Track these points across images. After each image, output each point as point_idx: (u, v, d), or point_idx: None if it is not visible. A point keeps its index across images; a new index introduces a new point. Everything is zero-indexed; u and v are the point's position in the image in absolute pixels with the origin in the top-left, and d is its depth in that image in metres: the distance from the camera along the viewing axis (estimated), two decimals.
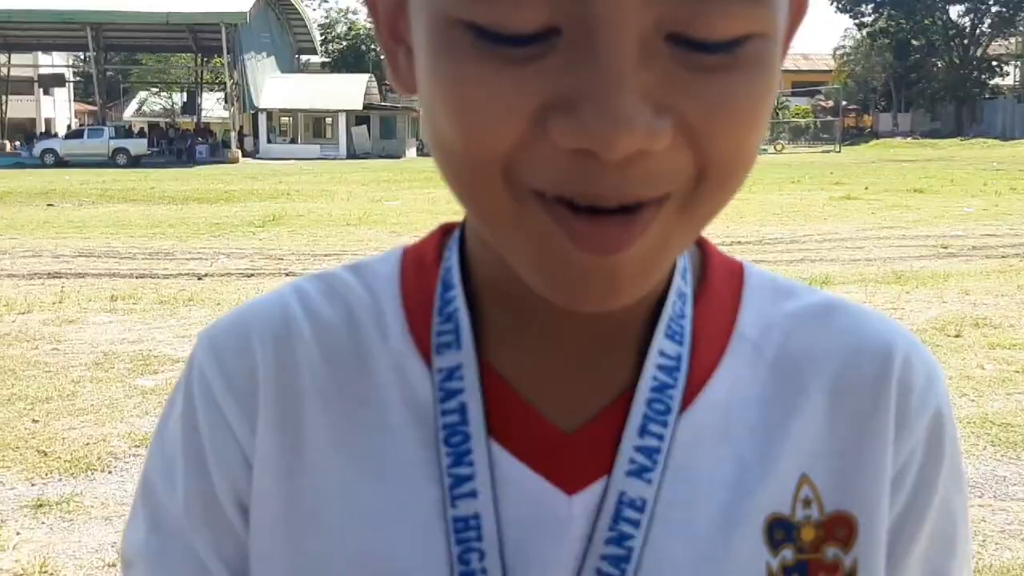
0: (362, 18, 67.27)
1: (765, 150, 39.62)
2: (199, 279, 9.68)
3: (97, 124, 42.38)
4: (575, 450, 0.56)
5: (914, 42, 60.85)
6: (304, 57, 60.53)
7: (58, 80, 58.84)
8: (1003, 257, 10.60)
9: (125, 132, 40.45)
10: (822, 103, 60.36)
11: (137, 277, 9.78)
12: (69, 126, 54.52)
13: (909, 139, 53.49)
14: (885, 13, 61.39)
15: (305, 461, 0.59)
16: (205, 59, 54.88)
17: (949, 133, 54.42)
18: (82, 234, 13.40)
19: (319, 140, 46.60)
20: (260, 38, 45.88)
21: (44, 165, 35.42)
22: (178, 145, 43.75)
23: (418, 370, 0.59)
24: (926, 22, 60.44)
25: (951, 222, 13.93)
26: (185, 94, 62.47)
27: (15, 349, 6.78)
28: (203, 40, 48.72)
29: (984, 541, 3.72)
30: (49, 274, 9.98)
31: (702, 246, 0.63)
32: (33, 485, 4.37)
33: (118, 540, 3.49)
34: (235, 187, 22.80)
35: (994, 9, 59.19)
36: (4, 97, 50.99)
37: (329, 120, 46.67)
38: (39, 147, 38.08)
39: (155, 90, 65.70)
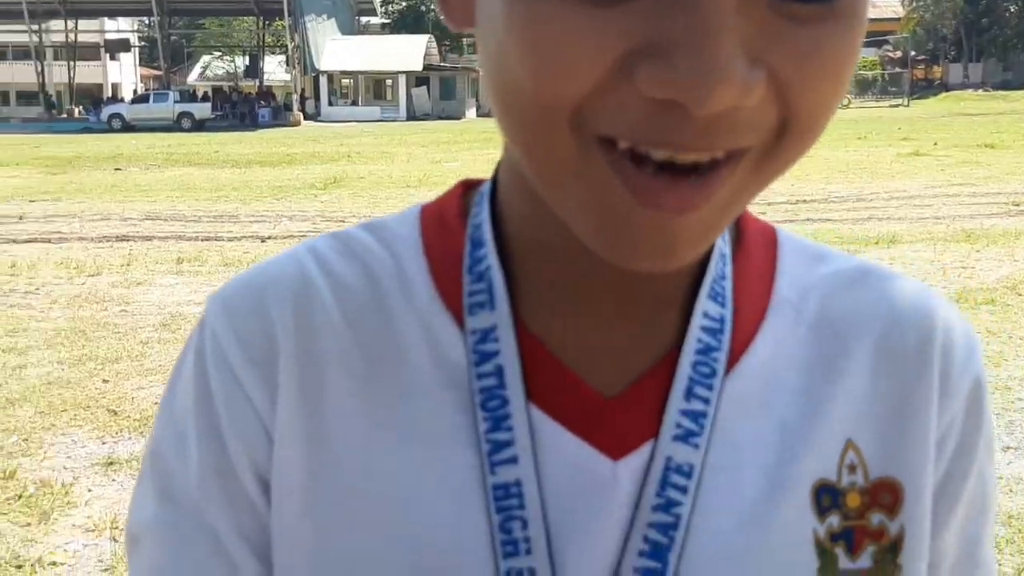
0: None
1: None
2: (262, 242, 9.79)
3: (162, 89, 42.96)
4: (618, 414, 0.54)
5: None
6: (364, 18, 60.56)
7: (124, 45, 59.75)
8: None
9: (189, 96, 41.01)
10: (890, 54, 58.91)
11: (202, 240, 9.93)
12: (135, 91, 55.43)
13: (980, 91, 52.00)
14: None
15: (330, 430, 0.56)
16: (267, 22, 55.14)
17: (1021, 84, 52.82)
18: (148, 197, 13.62)
19: (379, 102, 46.73)
20: (320, 0, 46.02)
21: (111, 129, 36.02)
22: (241, 109, 44.14)
23: (449, 331, 0.56)
24: None
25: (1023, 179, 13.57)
26: (247, 58, 62.92)
27: (85, 311, 6.93)
28: (264, 3, 48.94)
29: None
30: (117, 237, 10.18)
31: None
32: (104, 443, 4.48)
33: None
34: (297, 150, 22.97)
35: None
36: (71, 63, 51.79)
37: (389, 82, 46.74)
38: (106, 112, 38.75)
39: (218, 54, 66.40)
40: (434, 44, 49.37)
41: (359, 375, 0.56)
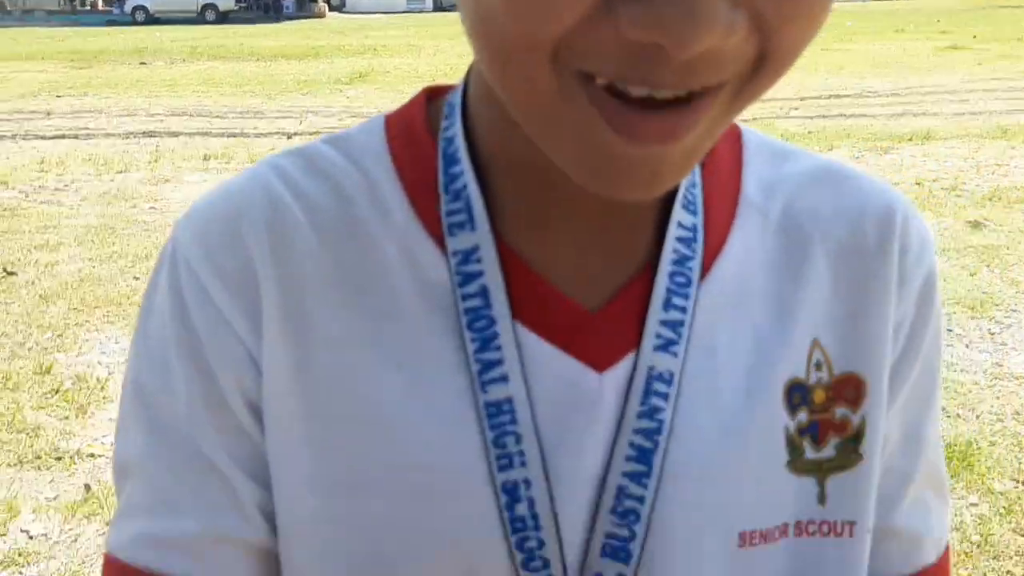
0: None
1: None
2: (288, 138, 9.75)
3: None
4: (601, 328, 0.56)
5: None
6: None
7: None
8: None
9: None
10: None
11: (229, 136, 9.91)
12: None
13: None
14: None
15: (317, 358, 0.56)
16: None
17: None
18: (174, 92, 13.56)
19: None
20: None
21: (135, 22, 35.63)
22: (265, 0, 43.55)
23: (430, 253, 0.56)
24: None
25: None
26: None
27: (114, 207, 6.98)
28: None
29: None
30: (144, 133, 10.17)
31: None
32: None
33: None
34: (322, 43, 22.70)
35: None
36: None
37: None
38: (130, 4, 38.24)
39: None
40: None
41: (341, 301, 0.56)
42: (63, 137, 9.92)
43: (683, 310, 0.56)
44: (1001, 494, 3.14)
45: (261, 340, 0.56)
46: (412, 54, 19.23)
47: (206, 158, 8.67)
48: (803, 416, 0.58)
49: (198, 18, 36.11)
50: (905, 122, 9.66)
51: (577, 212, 0.56)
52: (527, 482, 0.53)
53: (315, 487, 0.56)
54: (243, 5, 41.32)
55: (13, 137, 9.89)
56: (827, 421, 0.58)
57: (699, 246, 0.57)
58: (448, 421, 0.54)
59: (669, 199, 0.57)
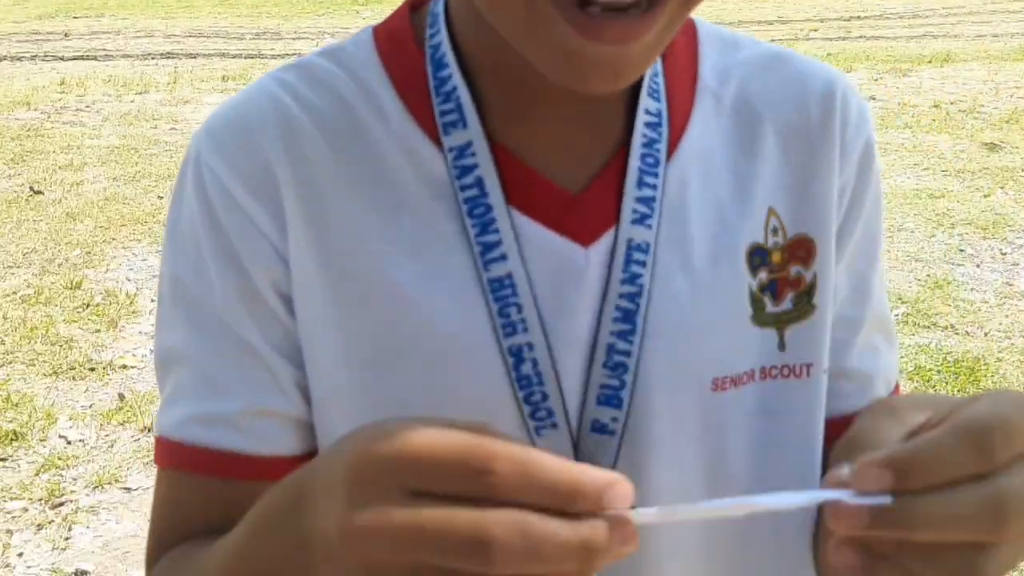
0: None
1: None
2: None
3: None
4: (584, 208, 0.63)
5: None
6: None
7: None
8: None
9: None
10: None
11: (246, 57, 9.89)
12: None
13: None
14: None
15: (340, 248, 0.63)
16: None
17: None
18: (190, 13, 13.47)
19: None
20: None
21: None
22: None
23: (428, 151, 0.63)
24: None
25: None
26: None
27: (136, 128, 7.03)
28: None
29: None
30: (162, 54, 10.16)
31: None
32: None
33: None
34: None
35: None
36: None
37: None
38: None
39: None
40: None
41: (354, 198, 0.63)
42: (82, 58, 9.92)
43: (654, 187, 0.63)
44: None
45: (286, 237, 0.63)
46: None
47: (224, 79, 8.67)
48: (763, 275, 0.66)
49: None
50: (925, 44, 9.56)
51: (555, 106, 0.63)
52: (530, 345, 0.61)
53: (346, 363, 0.64)
54: None
55: (32, 58, 9.90)
56: (784, 279, 0.66)
57: (664, 129, 0.65)
58: (458, 297, 0.62)
59: (636, 89, 0.64)
